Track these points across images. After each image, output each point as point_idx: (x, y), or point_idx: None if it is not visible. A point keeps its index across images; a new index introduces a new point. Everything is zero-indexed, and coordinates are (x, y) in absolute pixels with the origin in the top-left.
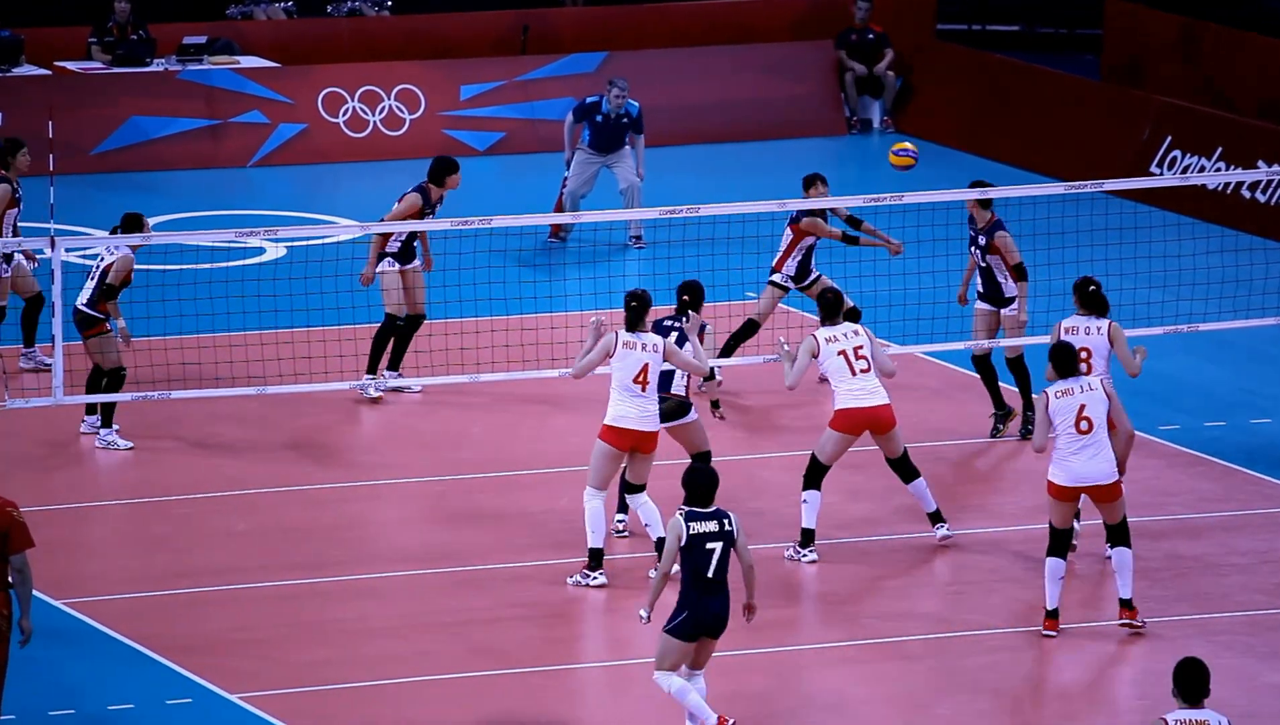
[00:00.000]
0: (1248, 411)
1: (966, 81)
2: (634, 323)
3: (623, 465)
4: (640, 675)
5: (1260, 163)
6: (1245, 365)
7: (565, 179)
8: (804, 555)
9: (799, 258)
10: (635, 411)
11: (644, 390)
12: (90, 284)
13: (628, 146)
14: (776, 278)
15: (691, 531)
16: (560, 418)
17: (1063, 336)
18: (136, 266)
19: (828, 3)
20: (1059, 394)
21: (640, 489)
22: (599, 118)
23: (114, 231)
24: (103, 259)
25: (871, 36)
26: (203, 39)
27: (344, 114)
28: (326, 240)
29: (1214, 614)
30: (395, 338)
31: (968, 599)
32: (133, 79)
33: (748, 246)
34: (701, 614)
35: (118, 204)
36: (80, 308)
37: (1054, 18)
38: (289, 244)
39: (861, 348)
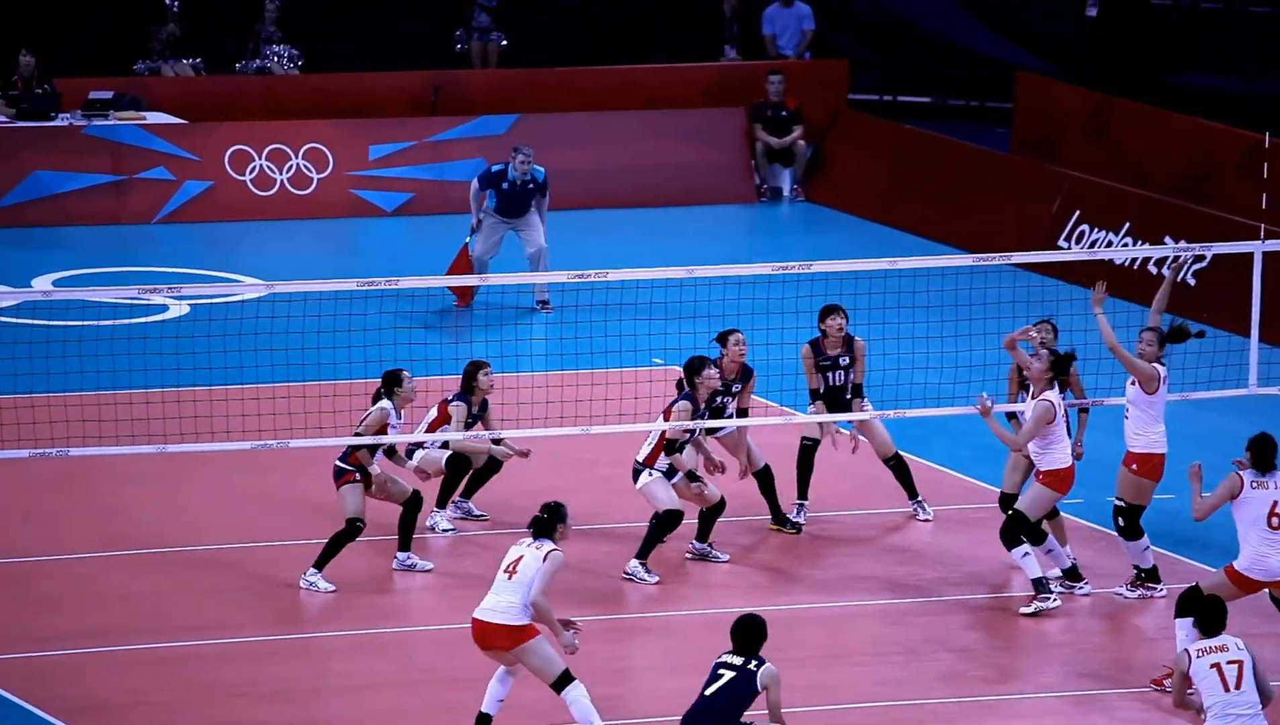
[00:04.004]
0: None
1: (877, 151)
2: (538, 532)
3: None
4: None
5: (1167, 239)
6: None
7: (467, 242)
8: (1049, 599)
9: None
10: (489, 599)
11: (509, 578)
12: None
13: (534, 212)
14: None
15: (718, 660)
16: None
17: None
18: (38, 322)
19: (739, 71)
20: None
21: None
22: (505, 185)
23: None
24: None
25: (785, 114)
26: (109, 94)
27: (251, 172)
28: (230, 298)
29: (1114, 689)
30: None
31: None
32: (37, 133)
33: (655, 312)
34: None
35: (18, 259)
36: (335, 462)
37: (965, 90)
38: (192, 301)
39: (1025, 412)
